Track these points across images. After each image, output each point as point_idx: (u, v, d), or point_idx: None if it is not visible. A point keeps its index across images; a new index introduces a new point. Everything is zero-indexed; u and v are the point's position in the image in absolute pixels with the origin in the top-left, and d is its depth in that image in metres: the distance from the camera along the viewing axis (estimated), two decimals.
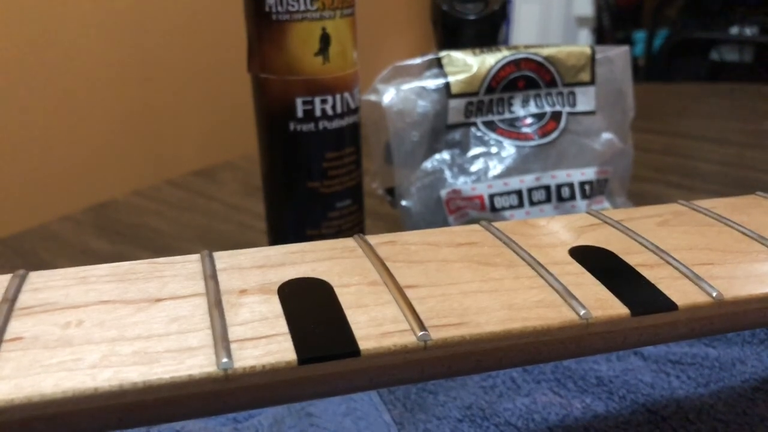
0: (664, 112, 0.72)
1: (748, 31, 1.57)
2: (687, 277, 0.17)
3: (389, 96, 0.37)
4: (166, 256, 0.17)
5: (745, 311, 0.17)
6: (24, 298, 0.15)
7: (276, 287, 0.16)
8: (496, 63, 0.37)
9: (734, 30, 1.60)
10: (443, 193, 0.37)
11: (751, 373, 0.27)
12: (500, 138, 0.38)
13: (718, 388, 0.26)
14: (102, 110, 0.85)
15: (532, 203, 0.37)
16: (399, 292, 0.16)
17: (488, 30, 0.42)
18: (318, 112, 0.33)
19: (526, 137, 0.38)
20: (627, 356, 0.28)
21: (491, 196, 0.37)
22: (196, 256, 0.17)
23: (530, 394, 0.26)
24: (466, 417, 0.25)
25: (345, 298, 0.15)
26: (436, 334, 0.14)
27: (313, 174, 0.34)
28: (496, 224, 0.20)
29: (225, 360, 0.13)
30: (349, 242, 0.18)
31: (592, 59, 0.39)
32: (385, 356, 0.14)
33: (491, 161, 0.37)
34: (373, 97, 0.37)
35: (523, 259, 0.18)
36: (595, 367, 0.27)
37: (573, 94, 0.39)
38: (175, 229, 0.47)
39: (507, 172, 0.37)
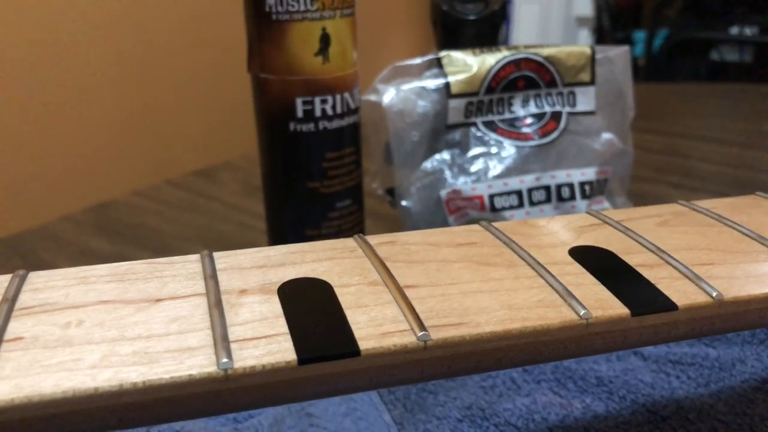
0: (664, 112, 0.72)
1: (748, 31, 1.57)
2: (687, 277, 0.17)
3: (389, 96, 0.37)
4: (166, 256, 0.17)
5: (745, 311, 0.17)
6: (24, 298, 0.15)
7: (276, 287, 0.16)
8: (496, 63, 0.37)
9: (734, 30, 1.60)
10: (443, 193, 0.37)
11: (751, 373, 0.27)
12: (500, 138, 0.38)
13: (718, 388, 0.26)
14: (102, 110, 0.85)
15: (532, 203, 0.37)
16: (399, 292, 0.16)
17: (488, 30, 0.42)
18: (318, 112, 0.33)
19: (526, 137, 0.38)
20: (627, 356, 0.28)
21: (491, 197, 0.37)
22: (196, 256, 0.17)
23: (530, 394, 0.26)
24: (466, 417, 0.25)
25: (345, 298, 0.15)
26: (436, 334, 0.14)
27: (313, 174, 0.34)
28: (496, 224, 0.20)
29: (225, 360, 0.13)
30: (349, 242, 0.18)
31: (592, 59, 0.39)
32: (385, 356, 0.14)
33: (491, 161, 0.37)
34: (373, 97, 0.37)
35: (523, 259, 0.18)
36: (595, 367, 0.27)
37: (573, 94, 0.39)
38: (175, 229, 0.47)
39: (507, 173, 0.37)
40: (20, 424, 0.12)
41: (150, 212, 0.50)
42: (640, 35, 1.73)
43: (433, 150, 0.38)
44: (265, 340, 0.14)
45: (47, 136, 0.80)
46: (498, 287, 0.16)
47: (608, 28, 1.74)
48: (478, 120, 0.38)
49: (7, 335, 0.13)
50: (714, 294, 0.16)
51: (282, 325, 0.14)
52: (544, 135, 0.38)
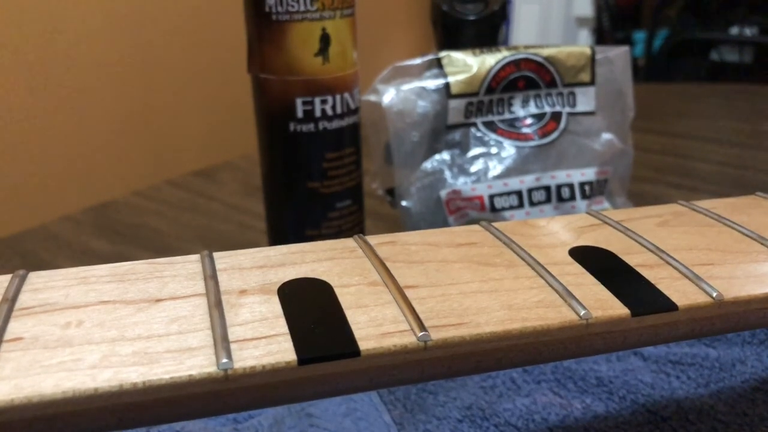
0: (664, 112, 0.72)
1: (748, 32, 1.57)
2: (687, 277, 0.17)
3: (389, 96, 0.37)
4: (166, 256, 0.17)
5: (745, 311, 0.17)
6: (24, 299, 0.15)
7: (276, 287, 0.16)
8: (496, 63, 0.37)
9: (734, 30, 1.60)
10: (443, 193, 0.37)
11: (751, 374, 0.27)
12: (500, 138, 0.38)
13: (718, 389, 0.26)
14: (102, 110, 0.85)
15: (532, 204, 0.37)
16: (399, 292, 0.16)
17: (488, 30, 0.42)
18: (318, 113, 0.33)
19: (526, 137, 0.38)
20: (627, 356, 0.28)
21: (491, 197, 0.37)
22: (196, 257, 0.17)
23: (530, 394, 0.26)
24: (466, 417, 0.25)
25: (345, 298, 0.15)
26: (436, 335, 0.14)
27: (313, 174, 0.34)
28: (496, 224, 0.20)
29: (225, 360, 0.13)
30: (349, 242, 0.18)
31: (592, 59, 0.39)
32: (385, 356, 0.14)
33: (491, 162, 0.37)
34: (373, 98, 0.37)
35: (523, 260, 0.18)
36: (595, 367, 0.27)
37: (573, 94, 0.39)
38: (175, 229, 0.47)
39: (507, 173, 0.37)
40: (20, 424, 0.12)
41: (150, 212, 0.50)
42: (640, 35, 1.73)
43: (433, 150, 0.38)
44: (265, 341, 0.14)
45: (47, 136, 0.80)
46: (498, 287, 0.16)
47: (608, 28, 1.74)
48: (478, 120, 0.38)
49: (7, 335, 0.13)
50: (714, 294, 0.16)
51: (282, 326, 0.14)
52: (544, 135, 0.38)
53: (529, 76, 0.38)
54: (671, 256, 0.18)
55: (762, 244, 0.19)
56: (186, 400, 0.13)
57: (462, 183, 0.37)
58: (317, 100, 0.32)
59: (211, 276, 0.16)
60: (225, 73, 0.87)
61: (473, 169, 0.37)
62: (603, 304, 0.16)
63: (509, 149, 0.38)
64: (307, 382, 0.14)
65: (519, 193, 0.37)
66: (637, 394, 0.26)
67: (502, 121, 0.38)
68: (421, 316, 0.15)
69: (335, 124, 0.33)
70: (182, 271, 0.16)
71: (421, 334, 0.14)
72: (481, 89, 0.37)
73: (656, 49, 1.64)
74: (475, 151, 0.38)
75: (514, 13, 1.79)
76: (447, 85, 0.37)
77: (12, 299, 0.15)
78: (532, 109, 0.39)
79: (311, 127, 0.33)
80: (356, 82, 0.34)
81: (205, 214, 0.49)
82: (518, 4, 1.80)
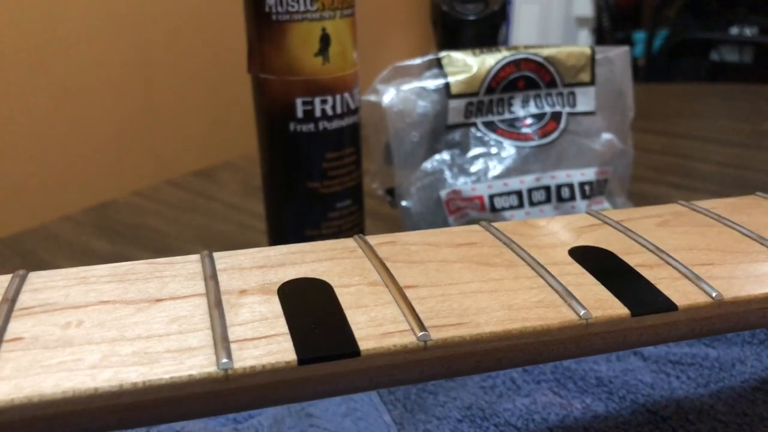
0: (664, 112, 0.72)
1: (748, 32, 1.57)
2: (687, 277, 0.17)
3: (389, 96, 0.37)
4: (166, 256, 0.17)
5: (745, 311, 0.17)
6: (24, 299, 0.15)
7: (276, 287, 0.16)
8: (496, 63, 0.37)
9: (734, 30, 1.60)
10: (443, 193, 0.37)
11: (751, 374, 0.27)
12: (500, 138, 0.38)
13: (718, 389, 0.26)
14: (102, 110, 0.85)
15: (532, 204, 0.37)
16: (399, 292, 0.16)
17: (488, 30, 0.42)
18: (318, 113, 0.33)
19: (526, 138, 0.38)
20: (627, 356, 0.28)
21: (491, 197, 0.37)
22: (196, 257, 0.17)
23: (530, 394, 0.26)
24: (466, 417, 0.25)
25: (345, 298, 0.15)
26: (436, 335, 0.14)
27: (313, 174, 0.34)
28: (496, 224, 0.20)
29: (225, 360, 0.13)
30: (349, 242, 0.18)
31: (592, 59, 0.39)
32: (385, 356, 0.14)
33: (491, 162, 0.37)
34: (373, 98, 0.37)
35: (523, 260, 0.18)
36: (595, 367, 0.27)
37: (573, 94, 0.39)
38: (175, 229, 0.47)
39: (507, 173, 0.37)
40: (20, 424, 0.12)
41: (150, 212, 0.50)
42: (640, 35, 1.73)
43: (433, 150, 0.38)
44: (265, 341, 0.14)
45: (47, 136, 0.80)
46: (498, 287, 0.16)
47: (608, 28, 1.74)
48: (478, 120, 0.38)
49: (7, 335, 0.13)
50: (714, 294, 0.16)
51: (282, 326, 0.14)
52: (544, 135, 0.38)
53: (529, 76, 0.38)
54: (671, 256, 0.18)
55: (762, 244, 0.19)
56: (186, 400, 0.13)
57: (462, 183, 0.37)
58: (317, 100, 0.32)
59: (211, 276, 0.16)
60: (225, 73, 0.88)
61: (473, 169, 0.37)
62: (603, 304, 0.16)
63: (509, 149, 0.38)
64: (307, 382, 0.14)
65: (519, 193, 0.37)
66: (637, 394, 0.26)
67: (502, 121, 0.38)
68: (421, 316, 0.15)
69: (335, 124, 0.33)
70: (182, 271, 0.16)
71: (421, 334, 0.14)
72: (481, 89, 0.37)
73: (656, 49, 1.64)
74: (475, 151, 0.38)
75: (514, 13, 1.79)
76: (447, 85, 0.37)
77: (12, 299, 0.15)
78: (532, 109, 0.39)
79: (311, 127, 0.33)
80: (356, 82, 0.34)
81: (205, 214, 0.49)
82: (518, 4, 1.80)
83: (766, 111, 0.72)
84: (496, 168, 0.37)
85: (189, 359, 0.13)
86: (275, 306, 0.15)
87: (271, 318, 0.15)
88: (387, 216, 0.44)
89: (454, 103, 0.37)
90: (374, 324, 0.15)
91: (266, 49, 0.32)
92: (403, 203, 0.38)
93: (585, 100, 0.39)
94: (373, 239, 0.18)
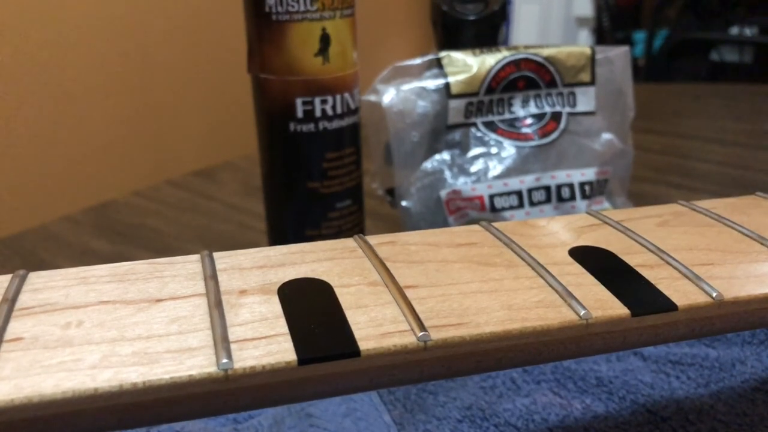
0: (664, 112, 0.72)
1: (748, 32, 1.57)
2: (687, 277, 0.17)
3: (389, 96, 0.37)
4: (166, 256, 0.17)
5: (745, 311, 0.17)
6: (24, 299, 0.15)
7: (276, 287, 0.16)
8: (496, 63, 0.37)
9: (734, 30, 1.60)
10: (443, 193, 0.37)
11: (751, 374, 0.27)
12: (500, 138, 0.38)
13: (718, 389, 0.26)
14: (102, 110, 0.85)
15: (532, 204, 0.37)
16: (399, 292, 0.16)
17: (488, 30, 0.42)
18: (318, 113, 0.33)
19: (526, 137, 0.38)
20: (627, 356, 0.28)
21: (491, 197, 0.37)
22: (196, 257, 0.17)
23: (530, 394, 0.26)
24: (466, 417, 0.25)
25: (345, 298, 0.15)
26: (436, 335, 0.14)
27: (313, 174, 0.34)
28: (496, 225, 0.20)
29: (225, 360, 0.13)
30: (349, 242, 0.18)
31: (592, 59, 0.39)
32: (385, 356, 0.14)
33: (491, 162, 0.37)
34: (373, 98, 0.37)
35: (523, 260, 0.18)
36: (595, 367, 0.27)
37: (573, 94, 0.39)
38: (175, 229, 0.47)
39: (507, 173, 0.37)
40: (20, 424, 0.12)
41: (150, 212, 0.50)
42: (640, 35, 1.73)
43: (433, 150, 0.38)
44: (265, 341, 0.14)
45: (47, 136, 0.80)
46: (498, 287, 0.16)
47: (608, 28, 1.74)
48: (478, 120, 0.38)
49: (7, 335, 0.13)
50: (714, 294, 0.16)
51: (282, 326, 0.14)
52: (544, 135, 0.38)
53: (529, 76, 0.38)
54: (671, 256, 0.18)
55: (762, 244, 0.19)
56: (186, 400, 0.13)
57: (462, 183, 0.37)
58: (317, 100, 0.32)
59: (211, 276, 0.16)
60: (225, 73, 0.88)
61: (473, 169, 0.37)
62: (603, 304, 0.16)
63: (509, 149, 0.38)
64: (307, 382, 0.14)
65: (519, 193, 0.37)
66: (637, 394, 0.26)
67: (502, 121, 0.38)
68: (421, 316, 0.15)
69: (335, 124, 0.33)
70: (182, 271, 0.16)
71: (421, 334, 0.14)
72: (481, 89, 0.37)
73: (656, 49, 1.64)
74: (475, 151, 0.38)
75: (514, 13, 1.79)
76: (447, 85, 0.37)
77: (12, 299, 0.15)
78: (532, 109, 0.39)
79: (311, 127, 0.33)
80: (356, 82, 0.34)
81: (205, 214, 0.49)
82: (518, 4, 1.80)
83: (766, 111, 0.72)
84: (496, 168, 0.37)
85: (189, 359, 0.13)
86: (275, 306, 0.15)
87: (271, 318, 0.15)
88: (387, 216, 0.44)
89: (454, 103, 0.37)
90: (374, 324, 0.15)
91: (266, 49, 0.32)
92: (403, 203, 0.38)
93: (585, 100, 0.39)
94: (373, 239, 0.18)
